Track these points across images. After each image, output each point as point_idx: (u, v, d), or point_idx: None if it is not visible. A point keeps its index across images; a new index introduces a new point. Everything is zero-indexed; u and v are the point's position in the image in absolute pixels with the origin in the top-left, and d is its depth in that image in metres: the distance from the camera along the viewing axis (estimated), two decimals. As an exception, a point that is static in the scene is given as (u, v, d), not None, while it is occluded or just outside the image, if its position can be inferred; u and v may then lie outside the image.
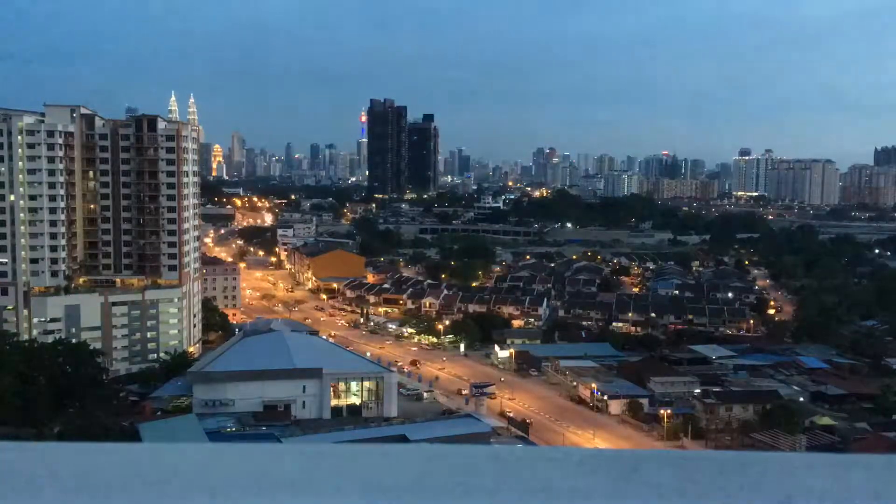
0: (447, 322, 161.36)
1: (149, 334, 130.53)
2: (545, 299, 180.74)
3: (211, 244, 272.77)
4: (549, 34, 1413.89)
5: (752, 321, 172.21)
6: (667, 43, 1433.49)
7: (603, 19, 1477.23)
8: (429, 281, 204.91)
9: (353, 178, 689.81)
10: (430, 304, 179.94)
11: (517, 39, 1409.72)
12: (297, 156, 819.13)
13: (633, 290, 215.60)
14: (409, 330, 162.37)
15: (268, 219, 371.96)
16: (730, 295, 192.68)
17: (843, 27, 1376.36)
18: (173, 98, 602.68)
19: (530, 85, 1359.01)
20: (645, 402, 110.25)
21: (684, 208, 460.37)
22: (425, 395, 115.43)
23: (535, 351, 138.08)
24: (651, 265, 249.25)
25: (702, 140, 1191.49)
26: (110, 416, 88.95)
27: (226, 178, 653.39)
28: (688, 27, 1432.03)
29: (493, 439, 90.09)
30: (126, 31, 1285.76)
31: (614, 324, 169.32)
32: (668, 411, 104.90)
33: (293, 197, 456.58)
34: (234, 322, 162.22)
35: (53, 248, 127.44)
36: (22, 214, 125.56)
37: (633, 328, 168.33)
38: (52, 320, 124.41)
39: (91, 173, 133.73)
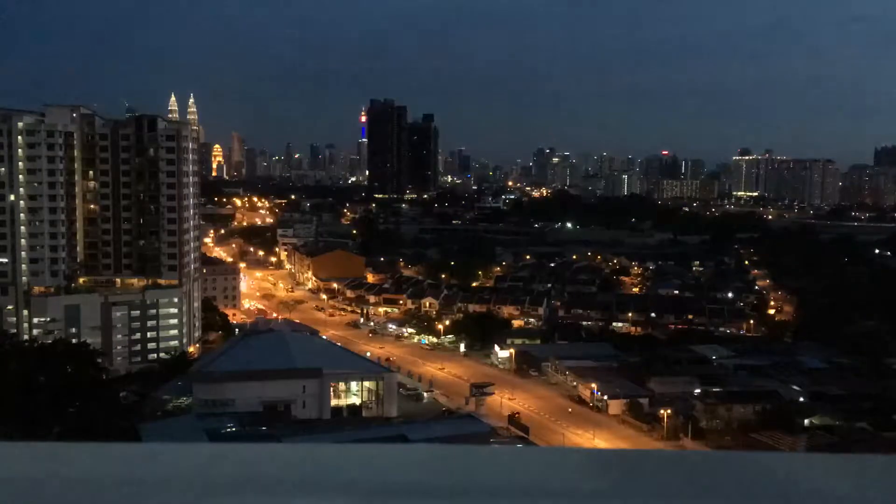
0: (447, 322, 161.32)
1: (149, 334, 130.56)
2: (545, 299, 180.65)
3: (211, 244, 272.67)
4: (550, 35, 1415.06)
5: (752, 321, 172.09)
6: (668, 45, 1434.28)
7: (607, 23, 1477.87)
8: (429, 281, 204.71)
9: (353, 178, 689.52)
10: (430, 304, 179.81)
11: (518, 40, 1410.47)
12: (297, 156, 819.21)
13: (633, 290, 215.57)
14: (410, 330, 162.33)
15: (268, 219, 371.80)
16: (730, 295, 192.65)
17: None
18: (173, 98, 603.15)
19: (531, 85, 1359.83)
20: (645, 402, 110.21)
21: (684, 208, 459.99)
22: (425, 395, 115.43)
23: (535, 351, 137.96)
24: (651, 265, 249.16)
25: (702, 140, 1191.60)
26: (110, 417, 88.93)
27: (226, 178, 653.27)
28: (688, 30, 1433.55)
29: (493, 439, 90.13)
30: (125, 32, 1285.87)
31: (614, 324, 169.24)
32: (668, 411, 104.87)
33: (293, 197, 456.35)
34: (235, 322, 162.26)
35: (53, 248, 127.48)
36: (22, 214, 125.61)
37: (633, 328, 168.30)
38: (52, 320, 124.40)
39: (91, 173, 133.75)
